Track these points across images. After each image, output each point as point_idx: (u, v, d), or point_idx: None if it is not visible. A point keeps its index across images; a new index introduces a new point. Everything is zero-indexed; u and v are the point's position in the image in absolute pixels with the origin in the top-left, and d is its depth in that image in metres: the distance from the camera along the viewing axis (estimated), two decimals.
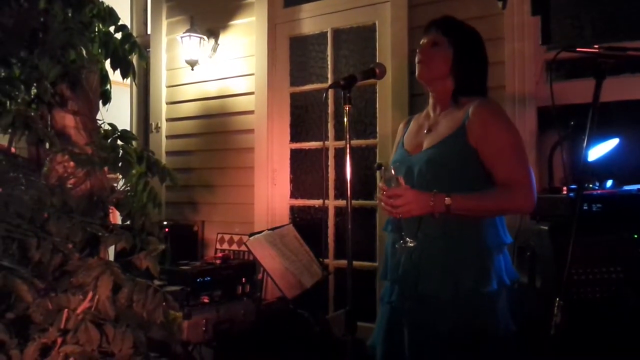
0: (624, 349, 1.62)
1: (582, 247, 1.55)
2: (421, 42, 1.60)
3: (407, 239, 1.44)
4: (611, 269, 1.63)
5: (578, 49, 1.27)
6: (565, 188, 1.78)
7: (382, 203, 1.46)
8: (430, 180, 1.46)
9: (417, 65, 1.59)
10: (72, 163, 1.60)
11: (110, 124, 1.88)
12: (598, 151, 2.04)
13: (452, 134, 1.49)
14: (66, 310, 1.28)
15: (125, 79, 2.08)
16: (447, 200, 1.39)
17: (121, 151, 1.77)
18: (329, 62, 3.03)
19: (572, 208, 1.27)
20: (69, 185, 1.61)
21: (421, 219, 1.45)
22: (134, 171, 2.03)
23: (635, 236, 1.65)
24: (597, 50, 1.24)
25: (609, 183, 1.84)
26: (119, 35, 2.03)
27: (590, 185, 1.83)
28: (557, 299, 1.24)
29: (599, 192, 1.77)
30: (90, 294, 1.31)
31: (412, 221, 1.46)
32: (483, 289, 1.43)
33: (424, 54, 1.57)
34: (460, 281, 1.43)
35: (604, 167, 1.99)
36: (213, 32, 3.37)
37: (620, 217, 1.70)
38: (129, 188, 2.00)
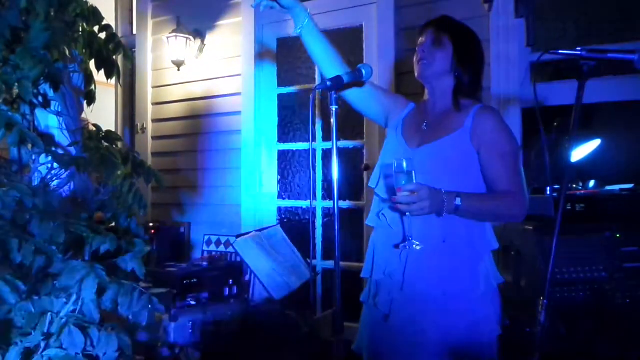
0: (607, 348, 1.65)
1: (565, 246, 1.57)
2: (419, 41, 1.57)
3: (414, 241, 1.38)
4: (594, 268, 1.66)
5: (560, 51, 1.29)
6: (548, 188, 1.81)
7: (397, 200, 1.36)
8: (431, 176, 1.42)
9: (416, 64, 1.56)
10: (55, 164, 1.58)
11: (94, 125, 1.86)
12: (581, 152, 2.07)
13: (455, 134, 1.48)
14: (49, 313, 1.26)
15: (109, 80, 2.06)
16: (458, 200, 1.37)
17: (106, 152, 1.74)
18: None
19: (555, 208, 1.29)
20: (53, 187, 1.59)
21: (425, 219, 1.40)
22: (119, 172, 2.01)
23: (618, 235, 1.68)
24: (578, 53, 1.26)
25: (592, 183, 1.87)
26: (103, 35, 2.00)
27: (574, 186, 1.85)
28: (541, 298, 1.25)
29: (582, 192, 1.80)
30: (74, 297, 1.29)
31: (422, 221, 1.41)
32: (471, 292, 1.44)
33: (425, 51, 1.54)
34: (449, 284, 1.43)
35: (587, 168, 2.02)
36: (199, 33, 3.35)
37: (603, 217, 1.73)
38: (114, 189, 1.98)
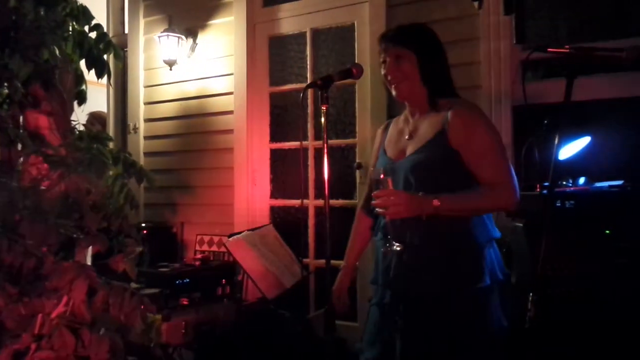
0: (597, 343, 1.66)
1: (555, 243, 1.58)
2: (382, 60, 1.58)
3: (394, 242, 1.44)
4: (584, 264, 1.67)
5: (549, 49, 1.30)
6: (539, 185, 1.82)
7: (374, 205, 1.46)
8: (416, 186, 1.47)
9: (389, 85, 1.57)
10: (45, 165, 1.57)
11: (85, 125, 1.85)
12: (570, 149, 2.08)
13: (433, 138, 1.50)
14: (40, 315, 1.25)
15: (100, 79, 2.05)
16: (436, 201, 1.40)
17: (97, 153, 1.74)
18: (308, 62, 3.03)
19: (545, 205, 1.30)
20: (43, 187, 1.58)
21: (409, 221, 1.44)
22: (110, 173, 2.00)
23: (607, 232, 1.69)
24: (567, 51, 1.27)
25: (581, 180, 1.88)
26: (93, 35, 1.99)
27: (564, 183, 1.87)
28: (531, 294, 1.26)
29: (571, 189, 1.81)
30: (65, 298, 1.29)
31: (400, 224, 1.46)
32: (476, 285, 1.44)
33: (393, 73, 1.54)
34: (453, 279, 1.44)
35: (577, 165, 2.04)
36: (191, 32, 3.34)
37: (592, 214, 1.74)
38: (105, 190, 1.97)
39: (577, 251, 1.68)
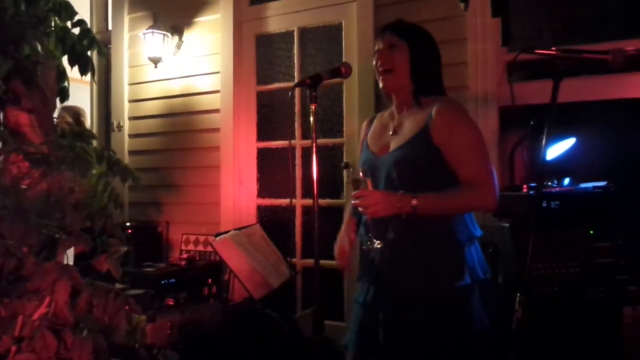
0: (581, 341, 1.68)
1: (541, 243, 1.60)
2: (376, 48, 1.59)
3: (374, 240, 1.46)
4: (568, 263, 1.69)
5: (536, 51, 1.31)
6: (525, 186, 1.83)
7: (354, 204, 1.48)
8: (398, 182, 1.48)
9: (378, 74, 1.58)
10: (26, 163, 1.53)
11: (67, 123, 1.82)
12: (556, 150, 2.10)
13: (417, 134, 1.51)
14: (21, 317, 1.22)
15: (84, 76, 2.01)
16: (414, 201, 1.41)
17: (80, 150, 1.70)
18: (295, 61, 3.02)
19: (531, 205, 1.31)
20: (24, 186, 1.54)
21: (390, 219, 1.46)
22: (94, 171, 1.97)
23: (591, 232, 1.71)
24: (554, 53, 1.28)
25: (567, 181, 1.90)
26: (77, 31, 1.96)
27: (549, 183, 1.88)
28: (518, 294, 1.27)
29: (557, 189, 1.83)
30: (47, 300, 1.26)
31: (380, 222, 1.47)
32: (457, 283, 1.45)
33: (384, 58, 1.56)
34: (434, 277, 1.45)
35: (562, 166, 2.06)
36: (177, 29, 3.30)
37: (577, 214, 1.76)
38: (89, 189, 1.93)
39: (561, 251, 1.70)
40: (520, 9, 2.47)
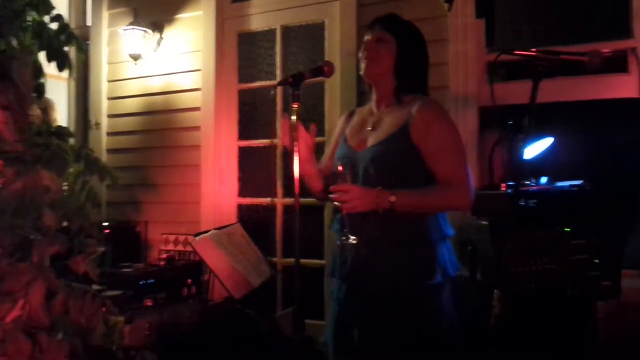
0: (557, 335, 1.71)
1: (518, 240, 1.62)
2: (365, 39, 1.61)
3: (350, 235, 1.46)
4: (545, 260, 1.71)
5: (516, 52, 1.33)
6: (504, 185, 1.85)
7: (332, 199, 1.47)
8: (375, 177, 1.48)
9: (362, 62, 1.59)
10: (0, 161, 1.49)
11: (44, 120, 1.77)
12: (534, 149, 2.13)
13: (396, 132, 1.52)
14: None
15: (61, 72, 1.97)
16: (392, 197, 1.42)
17: (56, 149, 1.67)
18: (278, 59, 3.01)
19: (509, 204, 1.33)
20: None
21: (366, 215, 1.46)
22: (71, 170, 1.93)
23: (567, 229, 1.74)
24: (533, 54, 1.30)
25: (544, 180, 1.93)
26: (54, 26, 1.91)
27: (527, 182, 1.91)
28: (496, 291, 1.28)
29: (534, 188, 1.86)
30: (21, 302, 1.23)
31: (356, 218, 1.47)
32: (428, 281, 1.46)
33: (370, 50, 1.58)
34: (405, 275, 1.46)
35: (540, 165, 2.09)
36: (158, 26, 3.26)
37: (554, 212, 1.79)
38: (65, 188, 1.89)
39: (538, 249, 1.72)
40: (502, 11, 2.50)
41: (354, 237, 1.46)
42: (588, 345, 1.75)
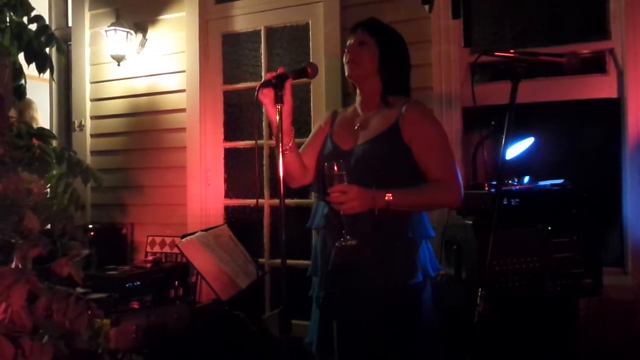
0: (540, 332, 1.74)
1: (502, 239, 1.65)
2: (348, 43, 1.65)
3: (348, 237, 1.44)
4: (528, 258, 1.74)
5: (495, 53, 1.35)
6: (487, 184, 1.88)
7: (329, 200, 1.46)
8: (365, 175, 1.48)
9: (346, 65, 1.63)
10: None
11: (24, 122, 1.75)
12: (516, 149, 2.17)
13: (386, 131, 1.54)
14: None
15: (42, 74, 1.95)
16: (388, 196, 1.43)
17: (37, 150, 1.65)
18: (262, 61, 3.01)
19: (493, 203, 1.35)
20: None
21: (357, 216, 1.46)
22: (54, 172, 1.91)
23: (549, 228, 1.77)
24: (512, 55, 1.32)
25: (526, 179, 1.96)
26: (34, 27, 1.89)
27: (510, 182, 1.94)
28: (480, 289, 1.30)
29: (517, 187, 1.89)
30: (3, 305, 1.21)
31: (348, 217, 1.47)
32: (409, 280, 1.48)
33: (353, 53, 1.61)
34: (387, 274, 1.48)
35: (522, 164, 2.13)
36: (141, 27, 3.23)
37: (536, 211, 1.82)
38: (48, 190, 1.87)
39: (521, 247, 1.75)
40: (482, 12, 2.53)
41: (352, 239, 1.44)
42: (571, 341, 1.78)
